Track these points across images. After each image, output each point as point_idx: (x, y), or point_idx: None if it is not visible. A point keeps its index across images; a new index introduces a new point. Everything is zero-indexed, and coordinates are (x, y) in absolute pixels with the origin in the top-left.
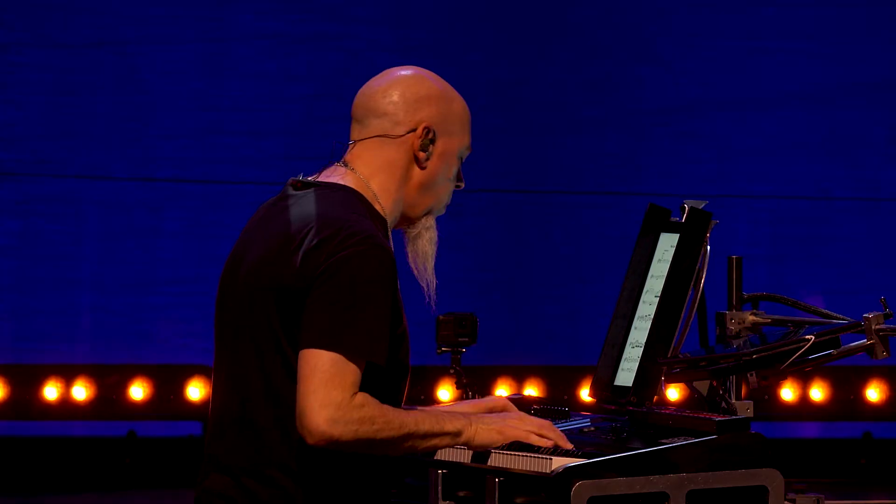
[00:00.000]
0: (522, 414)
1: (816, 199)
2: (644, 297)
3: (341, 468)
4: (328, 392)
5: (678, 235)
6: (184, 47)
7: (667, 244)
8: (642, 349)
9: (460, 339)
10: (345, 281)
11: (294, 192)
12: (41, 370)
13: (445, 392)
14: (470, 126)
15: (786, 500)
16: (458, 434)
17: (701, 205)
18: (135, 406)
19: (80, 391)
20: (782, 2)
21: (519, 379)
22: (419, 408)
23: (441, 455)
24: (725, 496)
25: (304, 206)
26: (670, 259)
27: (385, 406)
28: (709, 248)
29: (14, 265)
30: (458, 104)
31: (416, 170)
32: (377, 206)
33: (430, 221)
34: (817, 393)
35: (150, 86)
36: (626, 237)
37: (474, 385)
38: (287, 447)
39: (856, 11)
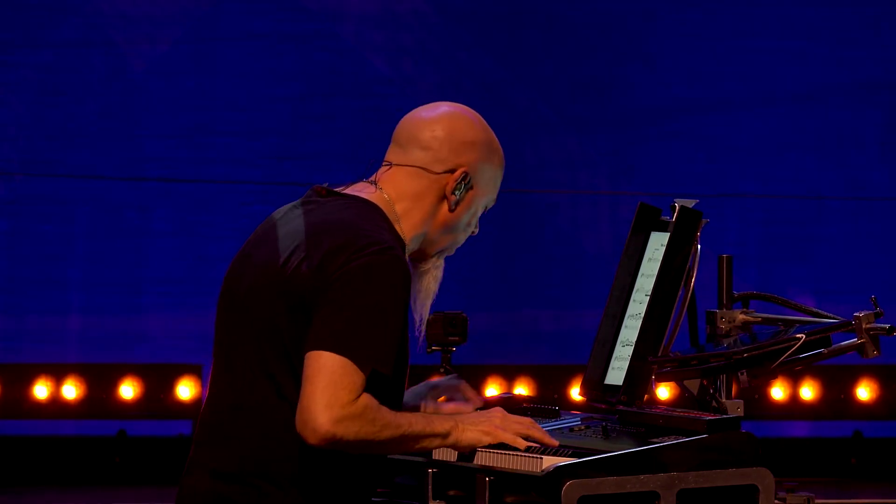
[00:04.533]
0: (506, 414)
1: (807, 198)
2: (634, 295)
3: (328, 477)
4: (335, 392)
5: (668, 234)
6: (173, 47)
7: (657, 243)
8: (632, 348)
9: (450, 339)
10: (360, 288)
11: (317, 199)
12: (31, 369)
13: None
14: (501, 180)
15: (776, 499)
16: (446, 435)
17: (691, 204)
18: (125, 405)
19: (70, 390)
20: (772, 1)
21: (509, 378)
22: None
23: (434, 454)
24: (716, 495)
25: (325, 211)
26: (661, 258)
27: (384, 408)
28: (699, 246)
29: (4, 265)
30: (498, 158)
31: (445, 210)
32: (398, 228)
33: (440, 261)
34: (808, 392)
35: (140, 85)
36: (617, 236)
37: None
38: (277, 455)
39: (846, 11)
